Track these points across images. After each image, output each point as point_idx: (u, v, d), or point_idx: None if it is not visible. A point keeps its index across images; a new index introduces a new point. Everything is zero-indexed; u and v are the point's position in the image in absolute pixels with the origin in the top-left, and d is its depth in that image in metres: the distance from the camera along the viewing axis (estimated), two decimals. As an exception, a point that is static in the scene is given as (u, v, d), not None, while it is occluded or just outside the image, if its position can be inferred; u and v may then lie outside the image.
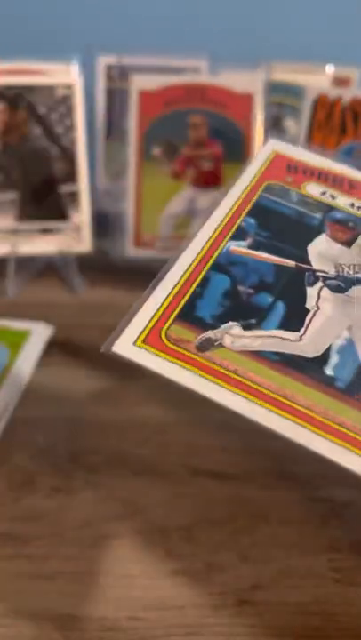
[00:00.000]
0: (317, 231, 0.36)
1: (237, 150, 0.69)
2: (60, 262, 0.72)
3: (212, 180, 0.70)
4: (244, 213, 0.36)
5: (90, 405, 0.50)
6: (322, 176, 0.38)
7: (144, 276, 0.78)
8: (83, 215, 0.70)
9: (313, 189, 0.38)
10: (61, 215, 0.69)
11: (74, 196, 0.69)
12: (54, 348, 0.57)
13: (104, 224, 0.74)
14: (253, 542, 0.38)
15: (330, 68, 0.82)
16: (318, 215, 0.37)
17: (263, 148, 0.40)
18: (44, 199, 0.69)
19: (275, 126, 0.76)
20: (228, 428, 0.47)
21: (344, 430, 0.29)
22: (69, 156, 0.69)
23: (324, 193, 0.38)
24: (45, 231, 0.69)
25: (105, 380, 0.54)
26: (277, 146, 0.40)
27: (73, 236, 0.69)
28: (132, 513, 0.39)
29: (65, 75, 0.72)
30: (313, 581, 0.35)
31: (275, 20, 0.89)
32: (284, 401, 0.29)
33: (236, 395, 0.29)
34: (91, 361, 0.56)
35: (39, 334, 0.58)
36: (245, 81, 0.69)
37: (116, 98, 0.78)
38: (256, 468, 0.44)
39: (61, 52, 0.78)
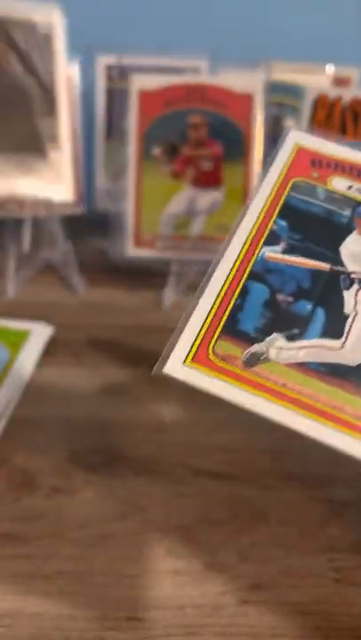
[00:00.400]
0: (347, 229, 0.35)
1: (237, 150, 0.69)
2: (60, 262, 0.72)
3: (211, 180, 0.70)
4: (275, 215, 0.35)
5: (90, 405, 0.50)
6: (346, 169, 0.37)
7: (144, 275, 0.79)
8: (63, 156, 0.65)
9: (339, 184, 0.37)
10: (38, 148, 0.65)
11: (53, 132, 0.66)
12: (54, 347, 0.57)
13: (104, 224, 0.74)
14: (253, 542, 0.38)
15: (330, 68, 0.82)
16: (347, 212, 0.36)
17: (285, 143, 0.38)
18: (21, 133, 0.65)
19: (275, 126, 0.76)
20: (228, 428, 0.48)
21: None
22: (49, 92, 0.66)
23: (350, 187, 0.37)
24: (23, 169, 0.64)
25: (105, 379, 0.54)
26: (299, 138, 0.39)
27: (52, 178, 0.65)
28: (132, 513, 0.39)
29: (47, 12, 0.68)
30: (313, 581, 0.35)
31: (275, 20, 0.89)
32: (334, 412, 0.29)
33: (288, 409, 0.29)
34: (90, 361, 0.56)
35: (39, 334, 0.58)
36: (245, 81, 0.69)
37: (115, 98, 0.79)
38: (256, 469, 0.44)
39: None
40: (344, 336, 0.31)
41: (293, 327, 0.31)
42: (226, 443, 0.46)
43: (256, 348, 0.31)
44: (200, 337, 0.31)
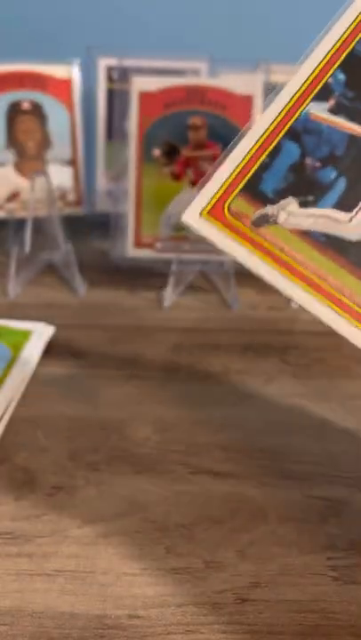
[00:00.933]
0: None
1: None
2: (61, 263, 0.72)
3: (212, 181, 0.70)
4: (337, 65, 0.33)
5: (91, 404, 0.50)
6: None
7: (144, 276, 0.79)
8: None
9: None
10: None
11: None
12: (55, 348, 0.57)
13: (105, 225, 0.74)
14: (252, 540, 0.38)
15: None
16: None
17: None
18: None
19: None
20: (227, 427, 0.48)
21: None
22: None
23: None
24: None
25: (105, 379, 0.54)
26: None
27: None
28: (132, 511, 0.40)
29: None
30: (312, 579, 0.35)
31: (275, 22, 0.90)
32: (316, 280, 0.31)
33: (277, 272, 0.31)
34: (91, 361, 0.57)
35: (40, 334, 0.58)
36: (245, 82, 0.69)
37: (116, 99, 0.79)
38: (255, 467, 0.44)
39: (62, 54, 0.78)
40: (356, 210, 0.31)
41: (311, 194, 0.32)
42: (225, 441, 0.46)
43: (267, 209, 0.31)
44: (221, 191, 0.32)
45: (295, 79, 0.33)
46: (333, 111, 0.33)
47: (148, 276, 0.71)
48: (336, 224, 0.31)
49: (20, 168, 0.78)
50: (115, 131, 0.80)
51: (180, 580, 0.35)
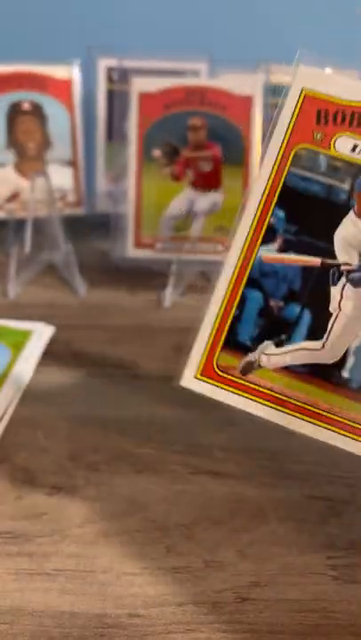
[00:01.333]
0: (345, 208, 0.33)
1: (237, 152, 0.70)
2: (61, 263, 0.72)
3: (211, 182, 0.70)
4: (274, 203, 0.34)
5: (90, 404, 0.50)
6: (356, 120, 0.32)
7: (144, 276, 0.79)
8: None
9: (343, 145, 0.33)
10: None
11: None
12: (55, 348, 0.58)
13: (105, 225, 0.74)
14: (253, 540, 0.38)
15: (329, 71, 0.82)
16: (346, 185, 0.33)
17: (292, 89, 0.34)
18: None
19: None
20: (227, 427, 0.48)
21: (357, 426, 0.33)
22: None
23: (355, 148, 0.32)
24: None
25: (105, 379, 0.54)
26: (308, 80, 0.33)
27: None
28: (132, 511, 0.40)
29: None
30: (312, 579, 0.35)
31: (274, 22, 0.90)
32: (310, 408, 0.34)
33: (272, 409, 0.34)
34: (91, 361, 0.57)
35: (40, 334, 0.58)
36: (245, 83, 0.69)
37: (116, 100, 0.79)
38: (255, 467, 0.44)
39: (62, 54, 0.78)
40: (325, 336, 0.34)
41: (282, 333, 0.35)
42: (225, 441, 0.46)
43: (250, 357, 0.35)
44: (206, 352, 0.36)
45: (241, 228, 0.35)
46: (282, 249, 0.35)
47: (148, 276, 0.71)
48: (312, 354, 0.34)
49: (20, 168, 0.78)
50: (115, 131, 0.80)
51: (181, 579, 0.35)
